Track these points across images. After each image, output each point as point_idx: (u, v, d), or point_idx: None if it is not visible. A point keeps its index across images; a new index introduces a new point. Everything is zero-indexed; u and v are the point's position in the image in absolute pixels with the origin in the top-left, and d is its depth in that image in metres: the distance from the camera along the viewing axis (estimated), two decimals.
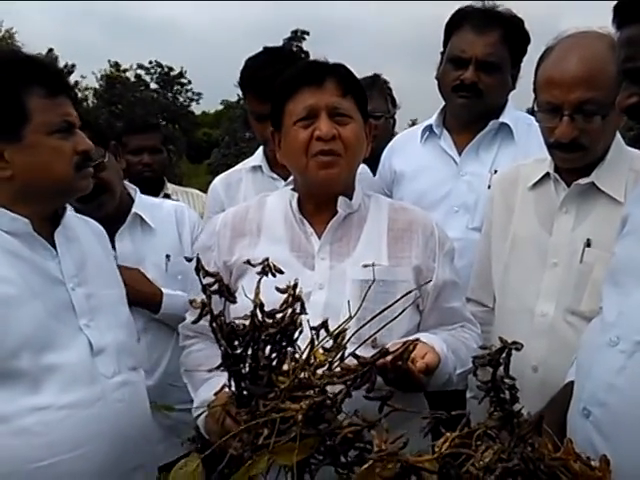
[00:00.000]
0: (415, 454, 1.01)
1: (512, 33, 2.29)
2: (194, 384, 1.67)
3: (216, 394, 1.34)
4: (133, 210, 2.20)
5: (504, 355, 0.99)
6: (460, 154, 2.35)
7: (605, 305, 1.38)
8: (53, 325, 1.49)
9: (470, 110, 2.34)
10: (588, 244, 1.76)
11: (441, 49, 2.42)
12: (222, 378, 1.31)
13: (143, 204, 2.26)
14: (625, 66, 1.24)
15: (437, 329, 1.67)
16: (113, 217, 2.14)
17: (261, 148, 2.58)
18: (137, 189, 2.33)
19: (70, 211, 1.69)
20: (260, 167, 2.51)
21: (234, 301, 1.20)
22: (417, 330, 1.64)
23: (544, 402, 1.50)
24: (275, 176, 2.47)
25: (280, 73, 2.34)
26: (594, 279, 1.71)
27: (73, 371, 1.48)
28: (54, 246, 1.58)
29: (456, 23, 2.34)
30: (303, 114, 1.61)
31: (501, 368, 1.02)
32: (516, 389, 1.02)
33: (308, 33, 47.11)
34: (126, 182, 2.37)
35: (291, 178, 2.28)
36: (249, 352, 1.17)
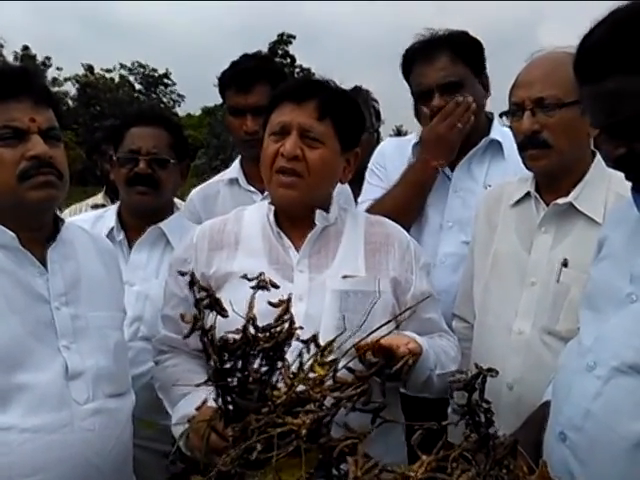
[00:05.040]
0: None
1: (460, 47, 2.31)
2: (171, 399, 1.66)
3: (198, 409, 1.34)
4: (159, 225, 2.16)
5: (479, 380, 1.01)
6: (452, 170, 2.36)
7: (582, 329, 1.40)
8: (30, 344, 1.44)
9: None
10: (565, 264, 1.78)
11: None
12: (201, 392, 1.31)
13: (176, 225, 2.19)
14: (605, 121, 1.24)
15: None
16: (151, 215, 2.15)
17: (238, 160, 2.58)
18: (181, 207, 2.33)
19: (73, 224, 1.63)
20: (237, 180, 2.52)
21: (226, 315, 1.20)
22: None
23: (519, 420, 1.52)
24: (252, 189, 2.48)
25: (260, 67, 2.43)
26: (570, 299, 1.73)
27: (43, 393, 1.42)
28: (46, 261, 1.53)
29: (408, 63, 2.36)
30: (277, 129, 1.66)
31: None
32: (492, 412, 1.04)
33: (294, 37, 47.10)
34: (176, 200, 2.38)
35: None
36: (239, 366, 1.18)
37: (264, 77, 2.40)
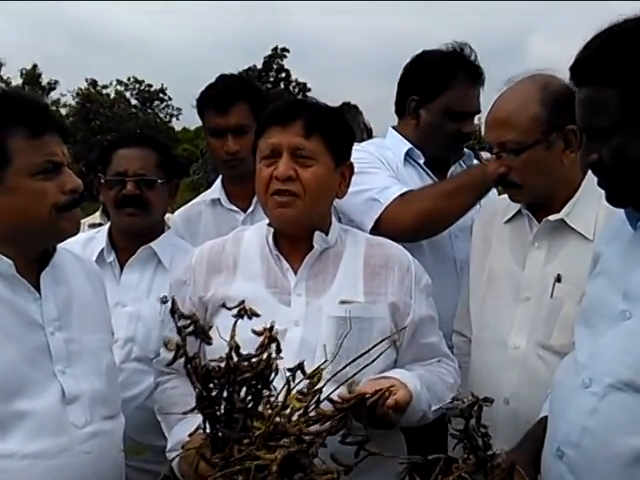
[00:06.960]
0: None
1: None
2: (168, 423, 1.65)
3: (190, 435, 1.33)
4: (150, 245, 2.15)
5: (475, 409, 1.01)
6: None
7: (577, 345, 1.40)
8: (26, 370, 1.44)
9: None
10: (558, 279, 1.79)
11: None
12: (197, 418, 1.29)
13: (167, 244, 2.18)
14: (583, 125, 1.29)
15: (413, 365, 1.67)
16: (142, 236, 2.15)
17: (219, 180, 2.58)
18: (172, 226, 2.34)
19: (61, 248, 1.64)
20: (219, 200, 2.52)
21: (210, 342, 1.20)
22: (394, 367, 1.64)
23: (516, 434, 1.52)
24: (234, 208, 2.48)
25: (237, 87, 2.45)
26: (564, 314, 1.74)
27: (42, 419, 1.43)
28: (39, 286, 1.53)
29: (450, 72, 2.29)
30: (267, 152, 1.65)
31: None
32: (489, 436, 1.04)
33: (288, 51, 47.28)
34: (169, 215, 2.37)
35: (250, 209, 2.39)
36: (224, 394, 1.16)
37: (242, 97, 2.41)
